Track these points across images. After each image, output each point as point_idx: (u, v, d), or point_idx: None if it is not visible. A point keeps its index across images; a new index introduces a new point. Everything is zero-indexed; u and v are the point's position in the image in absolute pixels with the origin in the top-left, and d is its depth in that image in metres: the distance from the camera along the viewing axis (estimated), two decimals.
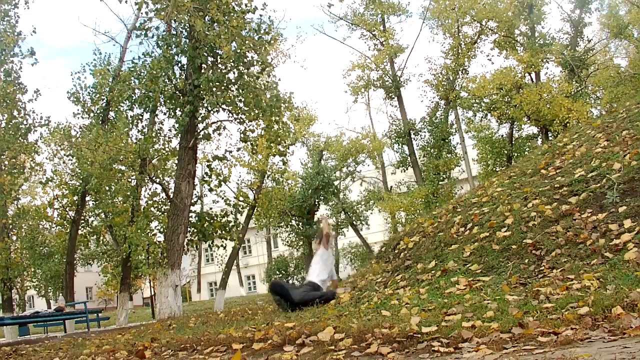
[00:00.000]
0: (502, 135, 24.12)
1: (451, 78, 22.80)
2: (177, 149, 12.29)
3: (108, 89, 14.64)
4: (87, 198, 15.59)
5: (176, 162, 12.46)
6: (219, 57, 11.78)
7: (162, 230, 13.83)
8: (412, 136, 23.75)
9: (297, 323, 4.06)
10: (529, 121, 21.22)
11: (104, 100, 15.07)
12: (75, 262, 17.18)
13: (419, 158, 23.84)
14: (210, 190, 13.73)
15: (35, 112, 17.39)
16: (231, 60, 11.54)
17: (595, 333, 2.66)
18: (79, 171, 14.81)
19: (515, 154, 22.15)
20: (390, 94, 23.96)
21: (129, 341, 5.32)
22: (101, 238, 17.10)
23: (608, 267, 3.94)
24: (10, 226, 15.49)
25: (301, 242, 25.01)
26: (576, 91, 21.41)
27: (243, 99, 11.84)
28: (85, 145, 12.93)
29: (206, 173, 13.57)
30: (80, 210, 15.42)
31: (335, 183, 26.01)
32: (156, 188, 13.84)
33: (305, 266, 26.53)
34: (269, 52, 13.84)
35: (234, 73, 12.06)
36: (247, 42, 11.51)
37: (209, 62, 11.94)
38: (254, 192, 19.90)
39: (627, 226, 4.37)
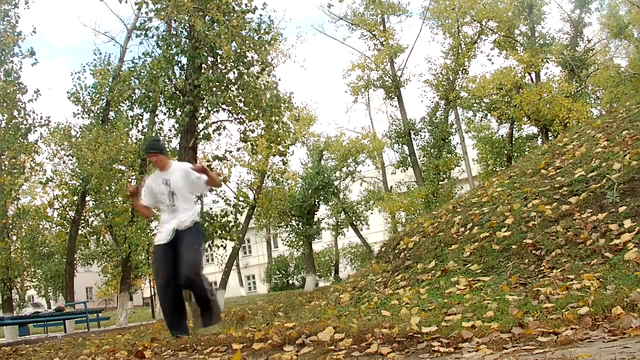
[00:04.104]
0: (502, 135, 24.11)
1: (451, 78, 22.78)
2: (177, 149, 12.29)
3: (108, 89, 14.63)
4: (87, 198, 15.57)
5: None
6: (219, 57, 11.77)
7: None
8: (412, 136, 23.71)
9: (297, 323, 4.06)
10: (529, 121, 21.20)
11: (104, 100, 15.06)
12: (75, 262, 17.16)
13: (419, 158, 23.81)
14: (210, 190, 13.71)
15: (35, 112, 17.38)
16: (231, 60, 11.54)
17: (595, 333, 2.65)
18: (79, 171, 14.81)
19: (515, 154, 22.13)
20: (390, 94, 23.94)
21: (129, 341, 5.32)
22: (101, 238, 17.09)
23: (608, 267, 3.94)
24: (10, 226, 15.46)
25: (301, 242, 25.00)
26: (576, 91, 21.39)
27: (243, 99, 11.84)
28: (85, 145, 12.92)
29: None
30: (80, 210, 15.40)
31: (335, 183, 25.97)
32: None
33: (306, 266, 26.49)
34: (269, 52, 13.82)
35: (234, 73, 12.06)
36: (247, 42, 11.51)
37: (209, 62, 11.93)
38: (254, 192, 19.89)
39: (627, 226, 4.37)
